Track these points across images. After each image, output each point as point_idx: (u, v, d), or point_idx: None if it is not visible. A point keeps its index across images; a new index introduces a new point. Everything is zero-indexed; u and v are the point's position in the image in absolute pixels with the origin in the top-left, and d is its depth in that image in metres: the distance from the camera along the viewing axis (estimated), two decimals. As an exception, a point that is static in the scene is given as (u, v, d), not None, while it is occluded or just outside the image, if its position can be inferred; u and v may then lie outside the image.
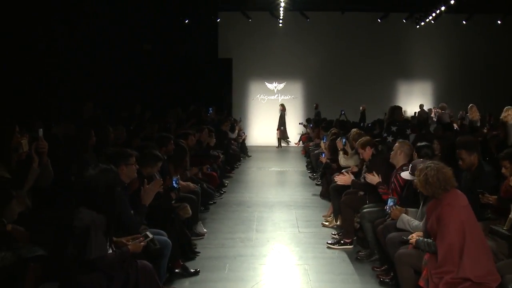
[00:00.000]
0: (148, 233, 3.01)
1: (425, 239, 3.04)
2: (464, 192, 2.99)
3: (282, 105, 14.77)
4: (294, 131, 15.31)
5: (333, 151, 7.00)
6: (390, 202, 3.81)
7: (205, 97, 13.78)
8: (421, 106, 13.80)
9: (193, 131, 6.82)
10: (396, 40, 15.22)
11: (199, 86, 14.16)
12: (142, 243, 2.91)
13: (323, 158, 7.14)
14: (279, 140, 14.85)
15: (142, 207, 3.46)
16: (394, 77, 15.49)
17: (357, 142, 5.23)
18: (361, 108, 13.75)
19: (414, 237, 3.15)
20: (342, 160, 6.29)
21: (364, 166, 5.18)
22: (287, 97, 15.64)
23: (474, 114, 10.80)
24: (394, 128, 6.90)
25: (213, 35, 14.96)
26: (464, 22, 14.70)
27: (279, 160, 12.16)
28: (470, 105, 11.03)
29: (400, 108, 7.19)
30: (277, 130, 14.68)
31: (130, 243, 2.88)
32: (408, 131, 6.82)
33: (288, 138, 14.94)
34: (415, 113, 12.93)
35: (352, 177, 5.04)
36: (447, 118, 11.53)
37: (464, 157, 3.60)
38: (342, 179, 5.02)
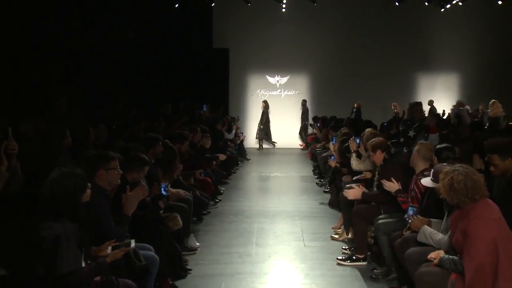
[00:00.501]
0: (132, 241, 2.99)
1: (451, 257, 2.98)
2: (497, 202, 2.91)
3: (265, 102, 14.81)
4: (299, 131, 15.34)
5: (344, 154, 6.99)
6: (410, 211, 3.77)
7: (198, 93, 13.76)
8: (430, 102, 13.51)
9: (187, 133, 6.80)
10: (416, 26, 15.04)
11: (191, 80, 14.14)
12: (121, 252, 2.90)
13: (332, 162, 7.13)
14: (259, 141, 14.90)
15: (124, 217, 3.44)
16: (414, 69, 15.35)
17: (368, 144, 5.20)
18: (355, 105, 13.78)
19: (435, 257, 3.09)
20: (354, 163, 6.26)
21: (377, 173, 5.16)
22: (291, 93, 15.64)
23: (496, 110, 10.64)
24: (401, 128, 6.85)
25: (207, 22, 14.94)
26: (499, 2, 13.96)
27: (282, 164, 12.16)
28: (492, 100, 10.94)
29: (419, 105, 7.14)
30: (258, 128, 14.78)
31: (108, 253, 2.86)
32: (411, 132, 6.74)
33: (271, 139, 14.85)
34: (443, 111, 12.72)
35: (363, 189, 5.00)
36: (466, 115, 11.46)
37: (497, 162, 3.50)
38: (352, 193, 5.00)
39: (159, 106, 10.44)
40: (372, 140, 5.16)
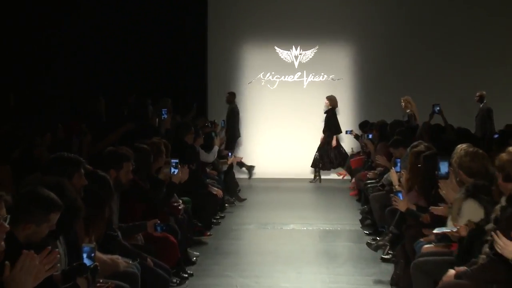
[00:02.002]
0: None
1: None
2: None
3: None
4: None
5: (423, 189, 7.00)
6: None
7: (153, 80, 13.74)
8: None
9: (128, 150, 6.74)
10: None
11: (140, 57, 14.13)
12: None
13: (401, 202, 7.09)
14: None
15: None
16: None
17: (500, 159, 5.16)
18: (325, 102, 14.27)
19: None
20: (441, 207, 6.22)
21: (492, 222, 5.11)
22: (321, 78, 15.69)
23: None
24: None
25: None
26: None
27: (305, 207, 12.15)
28: None
29: None
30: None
31: None
32: None
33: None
34: None
35: (458, 268, 5.04)
36: None
37: None
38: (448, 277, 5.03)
39: (82, 102, 10.39)
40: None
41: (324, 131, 15.33)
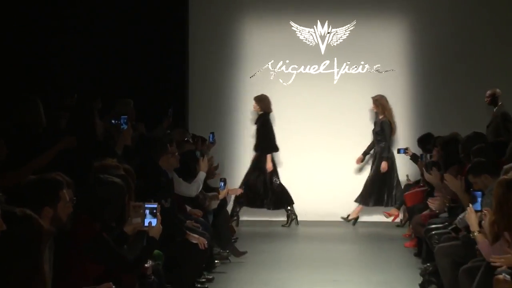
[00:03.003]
0: None
1: None
2: None
3: None
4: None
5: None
6: None
7: (106, 73, 13.85)
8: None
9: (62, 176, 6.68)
10: None
11: (83, 41, 14.23)
12: None
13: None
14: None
15: None
16: None
17: None
18: (254, 105, 14.93)
19: None
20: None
21: None
22: (360, 70, 15.71)
23: None
24: None
25: None
26: None
27: (336, 264, 12.16)
28: None
29: None
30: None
31: None
32: None
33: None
34: None
35: None
36: None
37: None
38: None
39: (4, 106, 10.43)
40: None
41: (255, 148, 15.50)
